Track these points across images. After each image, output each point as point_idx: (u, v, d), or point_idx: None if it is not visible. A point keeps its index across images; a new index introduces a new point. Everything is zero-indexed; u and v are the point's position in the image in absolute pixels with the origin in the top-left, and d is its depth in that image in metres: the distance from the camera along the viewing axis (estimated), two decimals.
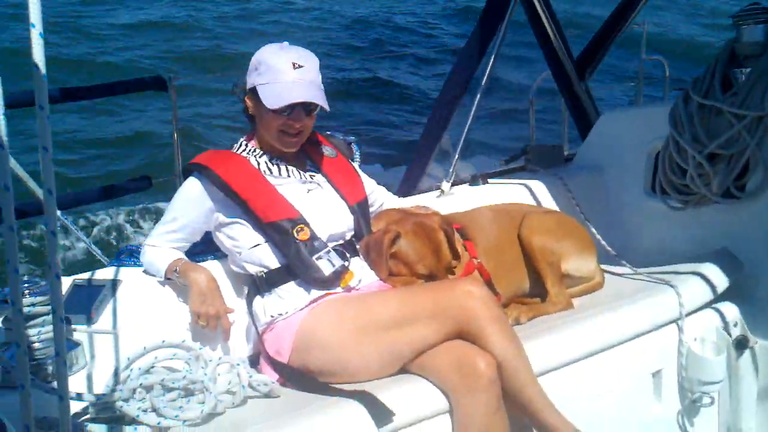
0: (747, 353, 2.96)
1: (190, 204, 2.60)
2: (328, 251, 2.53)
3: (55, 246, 1.38)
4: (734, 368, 2.96)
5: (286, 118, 2.53)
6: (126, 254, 2.81)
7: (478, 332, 2.27)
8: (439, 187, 3.61)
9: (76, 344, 2.43)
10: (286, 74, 2.52)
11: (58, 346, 1.38)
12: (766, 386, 2.95)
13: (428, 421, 2.25)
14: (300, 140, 2.61)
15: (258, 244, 2.54)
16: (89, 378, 2.40)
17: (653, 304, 2.88)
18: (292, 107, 2.52)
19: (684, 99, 3.26)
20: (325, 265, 2.49)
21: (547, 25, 4.16)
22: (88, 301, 2.56)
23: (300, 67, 2.54)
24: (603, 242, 3.29)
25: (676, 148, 3.25)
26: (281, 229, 2.50)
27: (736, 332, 2.97)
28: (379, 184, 3.07)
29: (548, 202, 3.63)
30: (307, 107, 2.55)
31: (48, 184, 1.36)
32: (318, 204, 2.63)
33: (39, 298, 2.31)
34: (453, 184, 3.65)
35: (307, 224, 2.53)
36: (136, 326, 2.52)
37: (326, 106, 2.55)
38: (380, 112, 11.66)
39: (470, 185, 3.71)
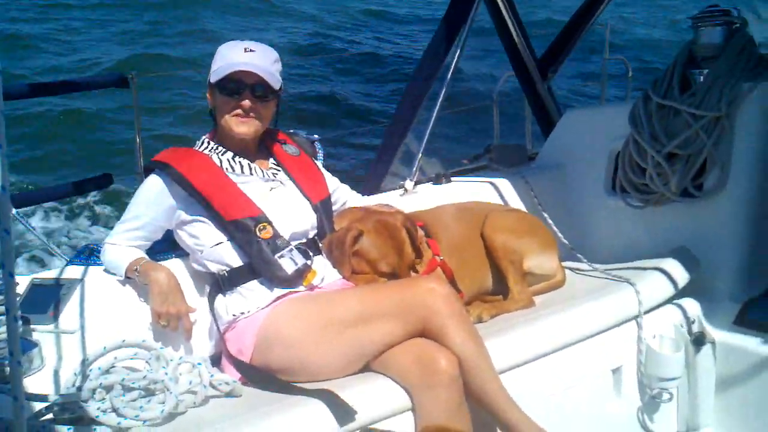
0: (705, 349, 3.00)
1: (152, 202, 2.58)
2: (291, 250, 2.53)
3: (9, 244, 1.36)
4: (693, 364, 3.00)
5: (235, 101, 2.55)
6: (86, 252, 2.77)
7: (440, 329, 2.28)
8: (402, 186, 3.62)
9: (34, 344, 2.40)
10: (237, 57, 2.55)
11: (12, 346, 1.36)
12: (724, 382, 3.00)
13: (390, 419, 2.25)
14: (254, 126, 2.60)
15: (220, 243, 2.53)
16: (49, 378, 2.37)
17: (613, 301, 2.92)
18: (239, 86, 2.53)
19: (644, 99, 3.31)
20: (288, 263, 2.49)
21: (510, 24, 4.20)
22: (47, 300, 2.53)
23: (251, 51, 2.57)
24: (564, 240, 3.33)
25: (636, 147, 3.29)
26: (243, 227, 2.49)
27: (694, 329, 3.02)
28: (342, 182, 3.07)
29: (511, 200, 3.66)
30: (254, 90, 2.55)
31: (3, 181, 1.34)
32: (281, 202, 2.62)
33: None
34: (416, 183, 3.66)
35: (269, 222, 2.52)
36: (97, 325, 2.49)
37: (273, 83, 2.56)
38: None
39: (434, 184, 3.72)
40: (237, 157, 2.65)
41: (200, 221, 2.55)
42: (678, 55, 3.31)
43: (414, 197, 3.52)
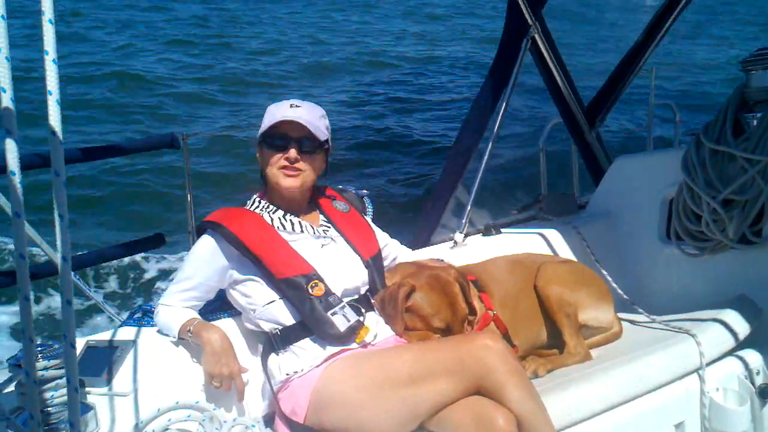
0: None
1: (204, 262, 2.59)
2: (343, 306, 2.51)
3: (70, 314, 1.37)
4: (759, 418, 2.89)
5: (282, 153, 2.57)
6: (140, 314, 2.80)
7: (496, 387, 2.22)
8: (452, 239, 3.60)
9: (89, 408, 2.40)
10: (283, 112, 2.59)
11: (72, 415, 1.36)
12: None
13: None
14: (300, 179, 2.61)
15: (272, 301, 2.53)
16: None
17: (673, 353, 2.83)
18: (285, 141, 2.56)
19: (696, 144, 3.26)
20: (340, 320, 2.47)
21: (555, 73, 4.19)
22: (101, 362, 2.55)
23: (297, 106, 2.61)
24: (619, 291, 3.26)
25: (690, 194, 3.24)
26: (295, 285, 2.49)
27: (759, 380, 2.91)
28: (392, 237, 3.06)
29: (563, 250, 3.61)
30: (301, 144, 2.57)
31: (64, 252, 1.35)
32: (332, 259, 2.62)
33: (53, 362, 2.28)
34: (466, 235, 3.63)
35: (321, 279, 2.52)
36: (150, 387, 2.50)
37: (319, 136, 2.59)
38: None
39: (483, 236, 3.70)
40: (288, 215, 2.67)
41: (253, 280, 2.55)
42: (730, 99, 3.27)
43: (464, 249, 3.49)
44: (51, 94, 1.32)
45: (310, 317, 2.47)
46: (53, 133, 1.34)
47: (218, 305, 2.77)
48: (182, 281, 2.63)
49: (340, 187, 3.07)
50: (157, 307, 2.67)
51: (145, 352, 2.58)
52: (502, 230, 3.74)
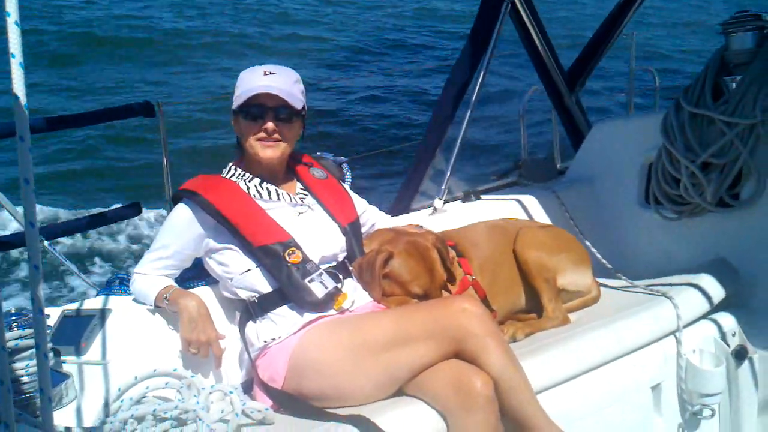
0: (746, 363, 2.92)
1: (180, 231, 2.57)
2: (321, 273, 2.50)
3: (38, 281, 1.35)
4: (734, 379, 2.92)
5: (258, 125, 2.54)
6: (115, 282, 2.78)
7: (475, 350, 2.23)
8: (431, 205, 3.59)
9: (66, 376, 2.39)
10: (257, 81, 2.54)
11: (42, 381, 1.35)
12: (766, 396, 2.91)
13: None
14: (279, 150, 2.59)
15: (249, 269, 2.51)
16: (80, 410, 2.35)
17: (650, 316, 2.85)
18: (262, 111, 2.53)
19: (675, 108, 3.25)
20: (318, 287, 2.46)
21: (536, 38, 4.16)
22: (77, 331, 2.53)
23: (271, 74, 2.56)
24: (598, 255, 3.27)
25: (669, 158, 3.23)
26: (272, 253, 2.47)
27: (734, 342, 2.94)
28: (370, 203, 3.04)
29: (542, 216, 3.61)
30: (277, 112, 2.54)
31: (30, 217, 1.33)
32: (309, 226, 2.60)
33: (27, 331, 2.26)
34: (445, 201, 3.62)
35: (298, 247, 2.50)
36: (127, 356, 2.48)
37: (295, 104, 2.55)
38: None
39: (463, 202, 3.69)
40: (264, 183, 2.64)
41: (229, 249, 2.53)
42: (709, 63, 3.25)
43: (443, 216, 3.48)
44: (14, 57, 1.28)
45: (288, 285, 2.46)
46: (16, 97, 1.31)
47: (195, 273, 2.75)
48: (158, 249, 2.60)
49: (318, 154, 3.05)
50: (133, 275, 2.65)
51: (121, 321, 2.56)
52: (482, 196, 3.73)
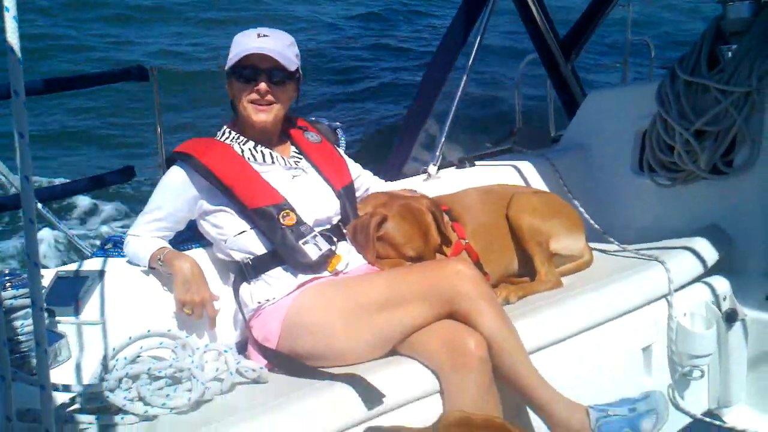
0: (737, 326, 2.96)
1: (174, 193, 2.57)
2: (315, 236, 2.50)
3: (33, 234, 1.34)
4: (724, 341, 2.96)
5: (251, 86, 2.53)
6: (109, 245, 2.78)
7: (468, 311, 2.24)
8: (425, 171, 3.59)
9: (60, 336, 2.40)
10: (250, 43, 2.53)
11: (38, 335, 1.35)
12: (755, 358, 2.95)
13: (419, 401, 2.23)
14: (273, 113, 2.58)
15: (243, 231, 2.51)
16: (75, 369, 2.37)
17: (642, 280, 2.87)
18: (255, 73, 2.51)
19: (670, 76, 3.25)
20: (312, 249, 2.47)
21: (532, 5, 4.14)
22: (72, 292, 2.53)
23: (265, 36, 2.55)
24: (591, 221, 3.28)
25: (664, 125, 3.24)
26: (267, 215, 2.47)
27: (725, 306, 2.97)
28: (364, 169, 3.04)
29: (536, 182, 3.61)
30: (271, 75, 2.53)
31: (25, 171, 1.32)
32: (303, 189, 2.60)
33: (21, 291, 2.27)
34: (440, 168, 3.62)
35: (292, 209, 2.50)
36: (122, 316, 2.50)
37: (289, 66, 2.54)
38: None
39: (457, 168, 3.69)
40: (258, 146, 2.63)
41: (223, 211, 2.53)
42: (705, 31, 3.25)
43: (437, 182, 3.49)
44: (8, 10, 1.27)
45: (282, 246, 2.46)
46: (11, 50, 1.30)
47: (189, 236, 2.75)
48: (152, 212, 2.60)
49: (313, 118, 3.03)
50: (127, 237, 2.65)
51: (115, 282, 2.57)
52: (476, 163, 3.73)
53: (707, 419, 2.89)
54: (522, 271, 3.03)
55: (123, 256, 2.66)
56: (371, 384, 2.15)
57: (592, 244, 3.20)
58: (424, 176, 3.56)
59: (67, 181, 3.51)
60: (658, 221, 3.43)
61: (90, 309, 2.50)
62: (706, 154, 3.11)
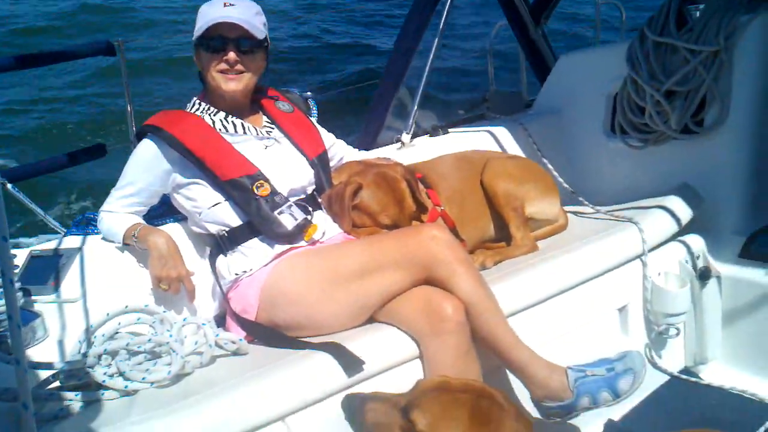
0: (711, 283, 2.99)
1: (146, 167, 2.54)
2: (290, 206, 2.50)
3: (1, 207, 1.33)
4: (699, 299, 3.00)
5: (220, 56, 2.50)
6: (83, 222, 2.75)
7: (445, 276, 2.25)
8: (399, 140, 3.58)
9: (36, 315, 2.38)
10: (217, 12, 2.50)
11: (10, 308, 1.34)
12: (730, 315, 3.00)
13: (399, 367, 2.24)
14: (242, 82, 2.55)
15: (218, 203, 2.50)
16: (54, 348, 2.36)
17: (616, 241, 2.90)
18: (223, 43, 2.49)
19: (640, 38, 3.26)
20: (287, 219, 2.46)
21: None
22: (46, 271, 2.52)
23: (231, 5, 2.52)
24: (565, 185, 3.30)
25: (634, 87, 3.25)
26: (240, 186, 2.46)
27: (699, 264, 3.01)
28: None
29: (510, 148, 3.62)
30: (239, 44, 2.51)
31: None
32: (276, 159, 2.59)
33: None
34: (413, 136, 3.62)
35: (266, 180, 2.49)
36: (98, 293, 2.48)
37: (257, 34, 2.52)
38: None
39: (431, 136, 3.68)
40: (229, 116, 2.61)
41: (196, 183, 2.52)
42: None
43: (411, 150, 3.48)
44: None
45: (257, 217, 2.46)
46: None
47: (163, 211, 2.73)
48: (124, 187, 2.58)
49: (284, 89, 3.01)
50: (100, 213, 2.63)
51: (90, 259, 2.55)
52: (450, 130, 3.73)
53: (684, 377, 2.93)
54: (498, 237, 3.04)
55: (97, 232, 2.63)
56: (351, 352, 2.15)
57: (567, 208, 3.22)
58: (397, 145, 3.56)
59: (38, 160, 3.47)
60: (631, 182, 3.45)
61: (65, 287, 2.48)
62: (676, 114, 3.13)
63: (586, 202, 3.25)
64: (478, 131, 3.67)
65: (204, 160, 2.47)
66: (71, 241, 2.63)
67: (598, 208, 3.21)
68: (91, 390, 2.06)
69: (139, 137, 2.60)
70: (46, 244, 2.66)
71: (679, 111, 3.12)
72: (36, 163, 3.41)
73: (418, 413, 1.67)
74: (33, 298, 2.45)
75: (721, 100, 3.08)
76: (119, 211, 2.59)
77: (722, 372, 2.99)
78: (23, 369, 1.35)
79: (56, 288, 2.47)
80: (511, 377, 2.36)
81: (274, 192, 2.48)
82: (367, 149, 3.43)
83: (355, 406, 1.79)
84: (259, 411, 1.98)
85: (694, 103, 3.11)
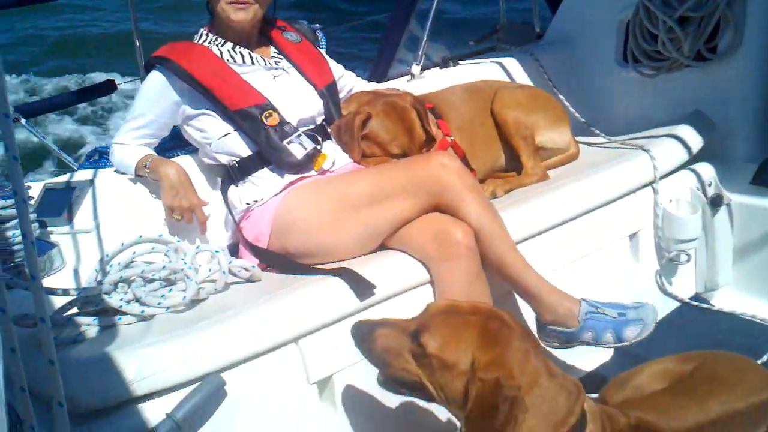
0: (722, 210, 2.99)
1: (155, 98, 2.55)
2: (299, 135, 2.50)
3: (9, 127, 1.33)
4: (710, 226, 3.00)
5: None
6: (95, 156, 2.78)
7: (454, 203, 2.26)
8: (409, 72, 3.56)
9: (52, 245, 2.42)
10: None
11: (23, 227, 1.35)
12: (741, 241, 3.00)
13: (410, 292, 2.27)
14: (251, 11, 2.53)
15: (228, 134, 2.51)
16: (70, 276, 2.40)
17: (628, 168, 2.89)
18: None
19: None
20: (297, 148, 2.47)
21: None
22: (61, 203, 2.55)
23: None
24: (576, 114, 3.27)
25: (646, 13, 3.20)
26: (250, 116, 2.46)
27: (710, 191, 3.00)
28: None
29: (521, 79, 3.59)
30: None
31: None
32: (285, 89, 2.59)
33: (9, 202, 2.27)
34: (423, 68, 3.59)
35: (275, 110, 2.49)
36: (112, 224, 2.51)
37: None
38: None
39: (441, 68, 3.65)
40: (237, 47, 2.60)
41: (206, 114, 2.52)
42: None
43: (422, 82, 3.46)
44: None
45: (267, 147, 2.46)
46: None
47: (174, 143, 2.75)
48: (135, 119, 2.59)
49: (291, 18, 2.98)
50: (112, 146, 2.65)
51: (104, 191, 2.58)
52: (460, 62, 3.69)
53: (695, 303, 2.95)
54: (509, 166, 3.03)
55: (110, 165, 2.66)
56: (362, 276, 2.18)
57: (578, 138, 3.20)
58: (407, 77, 3.54)
59: (50, 96, 3.48)
60: (644, 111, 3.42)
61: (80, 218, 2.51)
62: (689, 41, 3.08)
63: (599, 132, 3.23)
64: (489, 63, 3.64)
65: (213, 91, 2.47)
66: (84, 174, 2.65)
67: (609, 137, 3.19)
68: (108, 315, 2.10)
69: (148, 69, 2.59)
70: (59, 178, 2.69)
71: (692, 37, 3.07)
72: (47, 100, 3.43)
73: (428, 336, 1.70)
74: (48, 229, 2.49)
75: (734, 26, 3.03)
76: (131, 143, 2.60)
77: (733, 298, 3.00)
78: (39, 285, 1.37)
79: (70, 220, 2.50)
80: (520, 303, 2.39)
81: (283, 122, 2.49)
82: (377, 81, 3.41)
83: (364, 333, 1.83)
84: (272, 333, 2.02)
85: (707, 29, 3.06)
